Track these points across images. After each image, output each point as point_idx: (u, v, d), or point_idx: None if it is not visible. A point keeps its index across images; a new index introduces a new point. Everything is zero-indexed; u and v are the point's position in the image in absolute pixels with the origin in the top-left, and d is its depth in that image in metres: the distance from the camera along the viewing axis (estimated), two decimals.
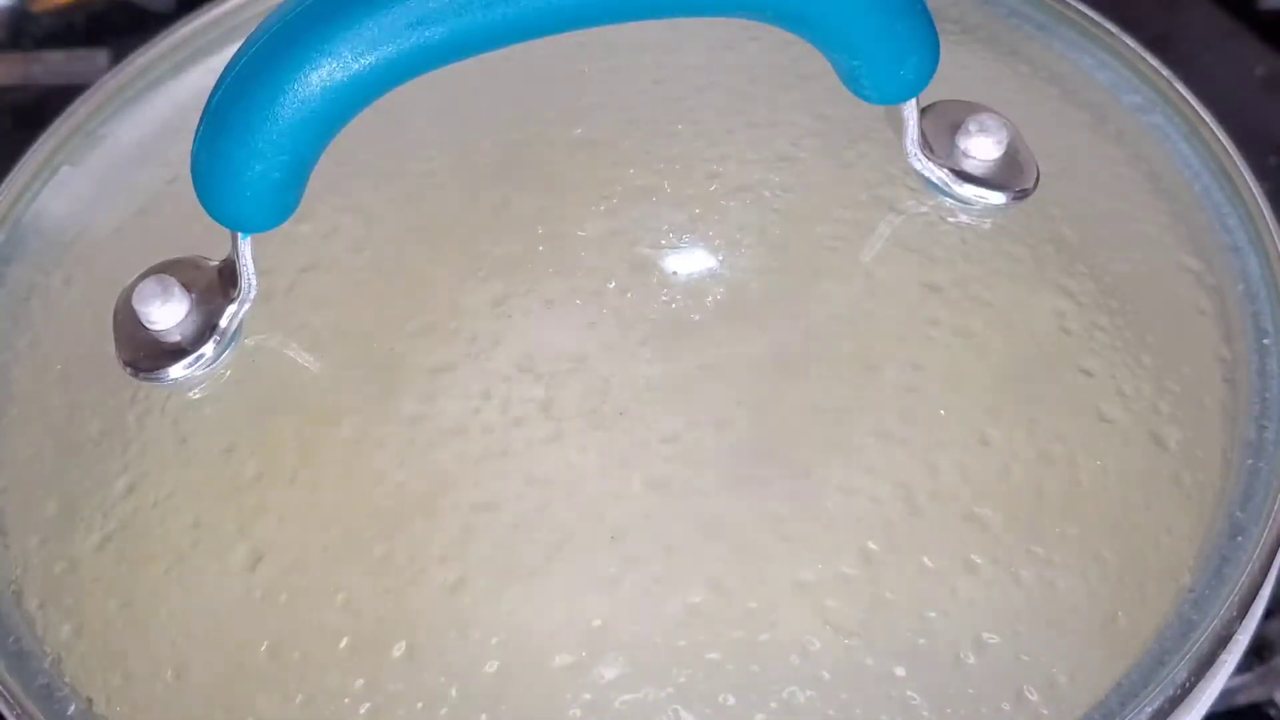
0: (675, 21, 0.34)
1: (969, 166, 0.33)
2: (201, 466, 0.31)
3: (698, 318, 0.32)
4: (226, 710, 0.29)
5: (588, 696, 0.28)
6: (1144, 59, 0.37)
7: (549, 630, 0.29)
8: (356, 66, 0.28)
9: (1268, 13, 0.56)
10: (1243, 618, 0.30)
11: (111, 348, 0.31)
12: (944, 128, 0.33)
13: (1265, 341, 0.33)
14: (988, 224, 0.33)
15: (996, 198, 0.33)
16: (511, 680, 0.28)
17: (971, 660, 0.29)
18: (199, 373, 0.31)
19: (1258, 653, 0.42)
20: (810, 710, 0.28)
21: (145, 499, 0.31)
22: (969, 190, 0.33)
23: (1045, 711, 0.29)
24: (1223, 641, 0.30)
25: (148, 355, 0.31)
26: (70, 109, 0.37)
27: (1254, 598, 0.30)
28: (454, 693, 0.28)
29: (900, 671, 0.29)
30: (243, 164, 0.28)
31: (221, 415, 0.31)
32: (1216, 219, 0.35)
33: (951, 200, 0.33)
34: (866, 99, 0.31)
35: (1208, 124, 0.36)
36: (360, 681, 0.29)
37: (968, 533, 0.30)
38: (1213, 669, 0.30)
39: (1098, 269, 0.33)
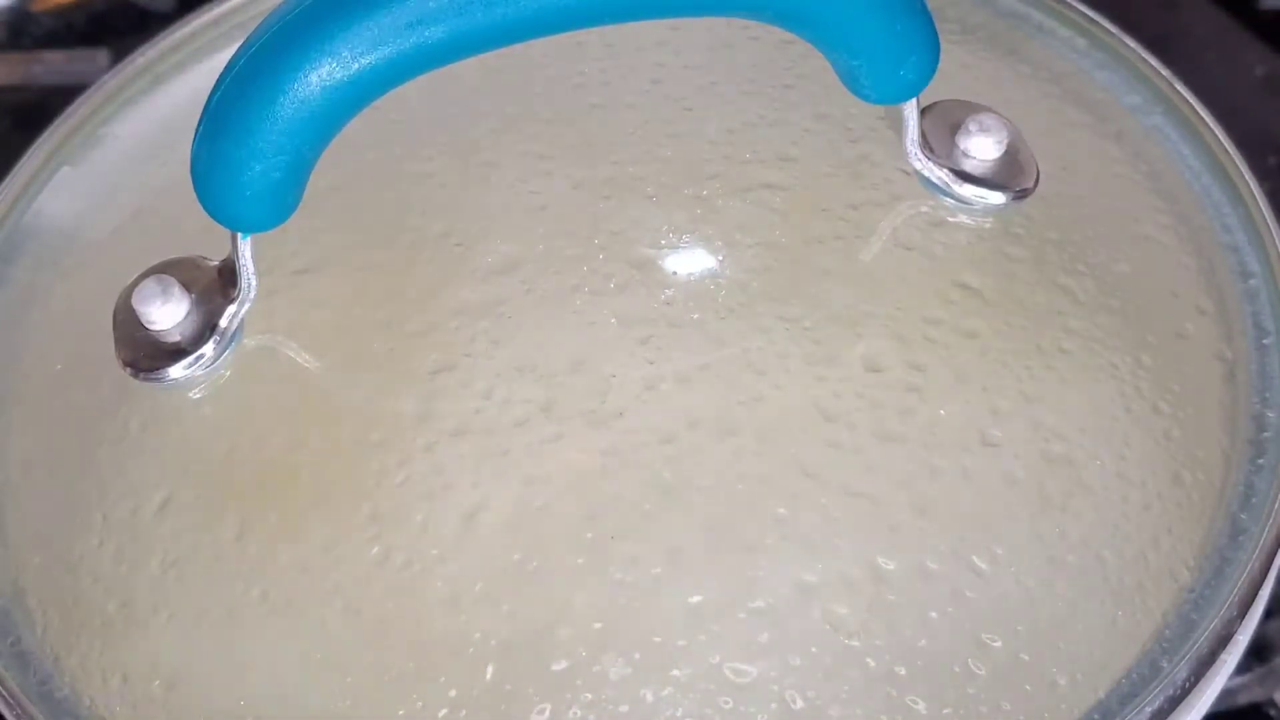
0: (675, 21, 0.34)
1: (969, 166, 0.33)
2: (201, 466, 0.31)
3: (698, 317, 0.32)
4: (225, 711, 0.29)
5: (588, 697, 0.28)
6: (1144, 59, 0.37)
7: (549, 631, 0.29)
8: (356, 66, 0.28)
9: (1268, 13, 0.56)
10: (1243, 618, 0.30)
11: (111, 348, 0.31)
12: (944, 128, 0.33)
13: (1265, 341, 0.33)
14: (988, 224, 0.33)
15: (996, 198, 0.33)
16: (511, 681, 0.28)
17: (972, 661, 0.29)
18: (199, 373, 0.31)
19: (1258, 653, 0.42)
20: (811, 712, 0.28)
21: (145, 499, 0.31)
22: (969, 190, 0.33)
23: (1045, 712, 0.29)
24: (1223, 641, 0.30)
25: (148, 355, 0.31)
26: (70, 109, 0.37)
27: (1254, 598, 0.30)
28: (453, 694, 0.28)
29: (901, 672, 0.29)
30: (242, 164, 0.28)
31: (221, 415, 0.31)
32: (1216, 219, 0.35)
33: (951, 200, 0.33)
34: (866, 99, 0.31)
35: (1208, 124, 0.36)
36: (359, 682, 0.29)
37: (969, 533, 0.30)
38: (1213, 669, 0.30)
39: (1098, 269, 0.33)
